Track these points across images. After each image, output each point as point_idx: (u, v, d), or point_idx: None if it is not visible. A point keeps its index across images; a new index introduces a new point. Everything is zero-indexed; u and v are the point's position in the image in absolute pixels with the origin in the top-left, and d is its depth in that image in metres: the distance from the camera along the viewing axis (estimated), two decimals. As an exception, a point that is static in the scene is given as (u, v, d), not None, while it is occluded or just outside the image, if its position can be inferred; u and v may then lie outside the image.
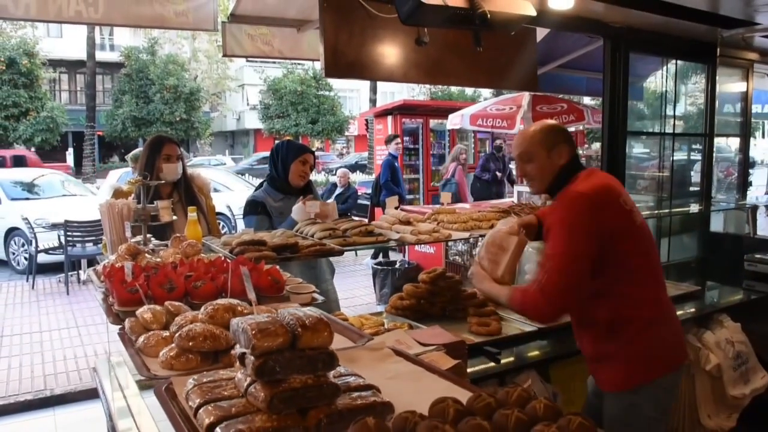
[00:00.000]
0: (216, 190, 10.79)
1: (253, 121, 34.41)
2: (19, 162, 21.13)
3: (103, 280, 2.25)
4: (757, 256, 4.40)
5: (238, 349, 1.23)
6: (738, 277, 4.38)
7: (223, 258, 2.50)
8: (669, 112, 4.94)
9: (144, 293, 1.94)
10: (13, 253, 10.81)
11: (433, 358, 2.31)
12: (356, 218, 3.89)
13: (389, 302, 3.44)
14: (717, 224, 5.50)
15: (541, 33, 4.47)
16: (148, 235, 2.99)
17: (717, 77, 5.00)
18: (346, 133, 33.03)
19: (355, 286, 9.00)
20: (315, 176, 21.64)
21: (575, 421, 0.94)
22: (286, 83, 28.25)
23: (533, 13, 3.15)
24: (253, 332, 1.13)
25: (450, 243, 6.68)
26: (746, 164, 6.04)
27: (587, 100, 12.36)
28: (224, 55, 5.06)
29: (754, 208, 5.35)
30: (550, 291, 2.25)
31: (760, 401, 3.81)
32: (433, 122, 12.45)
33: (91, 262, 8.66)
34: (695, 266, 4.88)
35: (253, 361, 1.14)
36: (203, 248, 2.84)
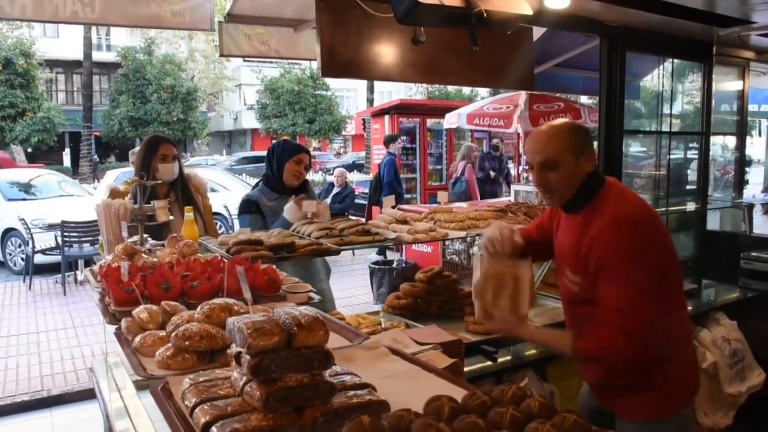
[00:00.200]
0: (213, 190, 10.80)
1: (250, 121, 34.38)
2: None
3: (100, 280, 2.25)
4: (754, 254, 4.42)
5: (234, 348, 1.23)
6: (734, 275, 4.39)
7: (219, 258, 2.50)
8: (666, 110, 4.95)
9: (140, 293, 1.94)
10: (10, 254, 10.80)
11: (429, 357, 2.31)
12: (353, 218, 3.88)
13: (386, 301, 3.44)
14: (713, 222, 5.51)
15: (537, 32, 4.48)
16: (145, 235, 2.99)
17: (713, 76, 5.01)
18: (344, 133, 33.07)
19: (352, 285, 9.00)
20: (312, 176, 21.67)
21: (570, 418, 0.94)
22: (283, 83, 28.25)
23: (530, 12, 3.15)
24: (249, 331, 1.13)
25: (447, 242, 6.69)
26: (743, 162, 6.05)
27: (584, 99, 12.37)
28: (221, 55, 5.06)
29: (751, 207, 5.36)
30: (633, 331, 1.96)
31: (756, 398, 3.82)
32: (430, 122, 12.45)
33: (88, 262, 8.65)
34: (692, 264, 4.89)
35: (249, 360, 1.15)
36: (200, 248, 2.84)
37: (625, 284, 2.00)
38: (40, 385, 5.56)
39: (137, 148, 7.84)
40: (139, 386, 1.74)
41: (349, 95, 36.77)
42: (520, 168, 10.42)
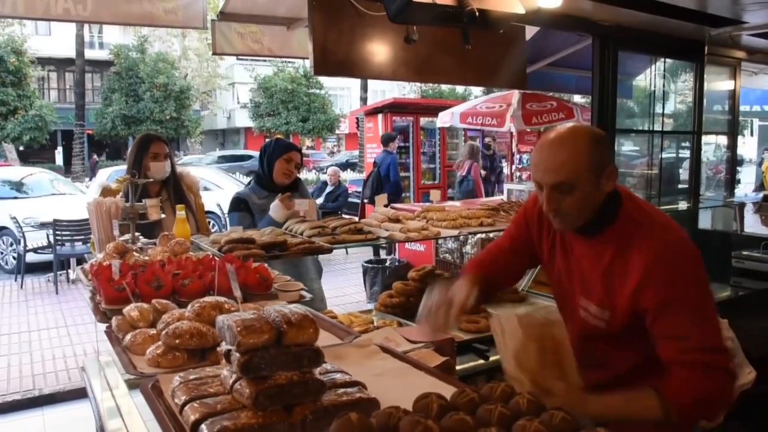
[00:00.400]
0: (206, 189, 10.78)
1: (243, 120, 34.30)
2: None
3: (91, 278, 2.24)
4: (745, 252, 4.44)
5: (224, 346, 1.23)
6: (726, 274, 4.40)
7: (211, 256, 2.50)
8: (658, 110, 4.98)
9: (131, 291, 1.93)
10: (2, 253, 10.74)
11: (421, 355, 2.32)
12: (346, 216, 3.89)
13: (379, 300, 3.44)
14: (705, 221, 5.54)
15: (530, 31, 4.49)
16: (137, 234, 2.98)
17: (705, 75, 5.04)
18: (337, 132, 33.01)
19: (345, 284, 9.00)
20: (306, 174, 21.66)
21: (558, 416, 0.94)
22: (277, 81, 28.20)
23: (522, 11, 3.16)
24: (239, 329, 1.13)
25: (440, 241, 6.69)
26: (734, 162, 6.10)
27: (577, 98, 12.40)
28: (214, 53, 5.05)
29: (742, 206, 5.39)
30: (732, 366, 1.74)
31: (746, 396, 3.83)
32: (423, 120, 12.45)
33: (81, 261, 8.61)
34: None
35: (239, 357, 1.15)
36: (192, 246, 2.84)
37: (706, 320, 1.73)
38: (32, 384, 5.53)
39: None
40: (131, 385, 1.73)
41: (343, 94, 36.74)
42: (514, 167, 10.46)
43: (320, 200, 11.14)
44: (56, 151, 30.53)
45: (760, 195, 6.26)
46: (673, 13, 4.03)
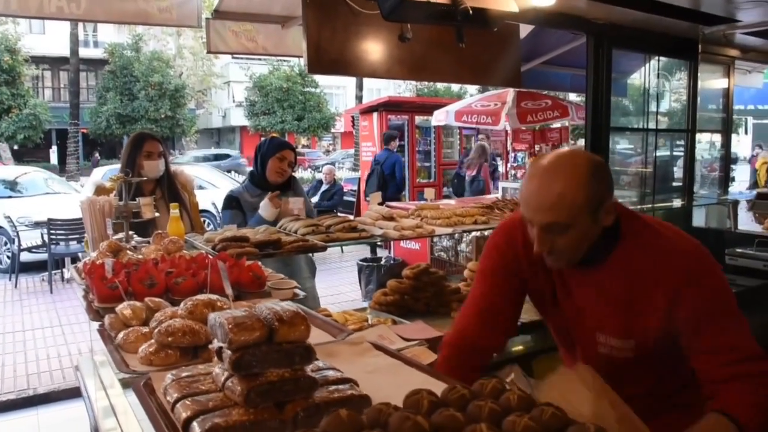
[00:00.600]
0: (201, 188, 10.76)
1: (239, 118, 34.27)
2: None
3: (84, 277, 2.24)
4: (738, 250, 4.45)
5: (215, 344, 1.23)
6: (719, 272, 4.42)
7: (204, 254, 2.50)
8: (652, 108, 4.99)
9: (124, 290, 1.93)
10: (-4, 252, 10.73)
11: (415, 352, 2.32)
12: (341, 215, 3.89)
13: (373, 298, 3.44)
14: (699, 219, 5.56)
15: (525, 30, 4.50)
16: (131, 232, 2.98)
17: (699, 73, 5.06)
18: (333, 130, 33.00)
19: (340, 282, 9.01)
20: (301, 173, 21.65)
21: (548, 411, 0.95)
22: (272, 80, 28.17)
23: (515, 9, 3.16)
24: (230, 326, 1.13)
25: (435, 239, 6.71)
26: (728, 160, 6.12)
27: (573, 97, 12.41)
28: (208, 52, 5.05)
29: (735, 203, 5.41)
30: None
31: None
32: (418, 119, 12.45)
33: (75, 260, 8.59)
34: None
35: (230, 355, 1.15)
36: (186, 245, 2.83)
37: (743, 327, 1.66)
38: (26, 384, 5.53)
39: None
40: (126, 384, 1.73)
41: (338, 92, 36.74)
42: (509, 165, 10.47)
43: (315, 199, 11.15)
44: (51, 150, 30.47)
45: (754, 192, 6.29)
46: (666, 11, 4.04)
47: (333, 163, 23.62)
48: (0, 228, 10.47)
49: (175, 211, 3.00)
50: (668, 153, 5.53)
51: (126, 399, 1.70)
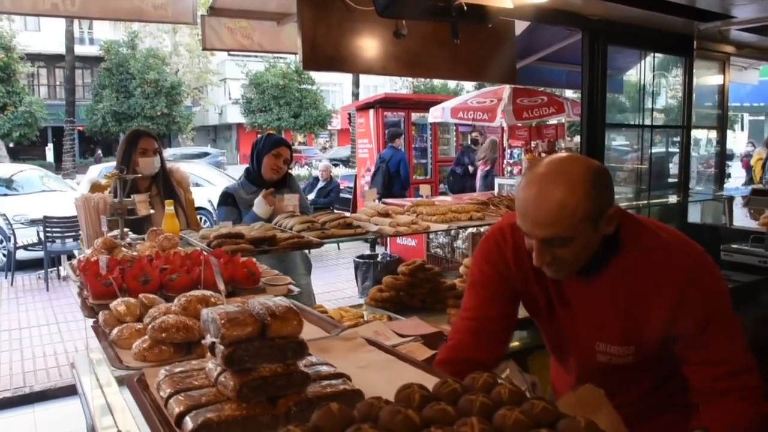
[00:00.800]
0: (197, 185, 10.75)
1: (235, 116, 34.24)
2: None
3: (79, 274, 2.24)
4: (734, 246, 4.47)
5: (208, 339, 1.23)
6: (714, 268, 4.43)
7: (199, 251, 2.50)
8: (648, 104, 4.99)
9: (119, 286, 1.93)
10: (-8, 250, 10.70)
11: (410, 349, 2.33)
12: (337, 212, 3.90)
13: (369, 294, 3.45)
14: (695, 215, 5.56)
15: (520, 26, 4.49)
16: (126, 229, 2.97)
17: (694, 70, 5.06)
18: (329, 127, 32.99)
19: (337, 279, 9.01)
20: (298, 170, 21.63)
21: (539, 405, 0.95)
22: (268, 77, 28.14)
23: (510, 5, 3.16)
24: (222, 322, 1.13)
25: (431, 235, 6.72)
26: (723, 156, 6.12)
27: (569, 93, 12.42)
28: (204, 49, 5.04)
29: (731, 199, 5.42)
30: (760, 381, 1.63)
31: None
32: (414, 116, 12.46)
33: (71, 258, 8.56)
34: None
35: (223, 350, 1.15)
36: (181, 242, 2.83)
37: (738, 337, 1.64)
38: (23, 382, 5.52)
39: None
40: (121, 381, 1.73)
41: (335, 89, 36.70)
42: (505, 161, 10.46)
43: (312, 196, 11.15)
44: (47, 148, 30.38)
45: (749, 189, 6.31)
46: (662, 8, 4.04)
47: (348, 160, 23.55)
48: (-5, 226, 10.45)
49: (170, 208, 3.00)
50: (664, 149, 5.53)
51: (122, 396, 1.71)
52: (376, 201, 3.77)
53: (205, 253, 2.32)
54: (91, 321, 1.94)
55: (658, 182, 5.29)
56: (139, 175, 3.50)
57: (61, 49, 26.56)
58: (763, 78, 10.03)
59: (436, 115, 10.28)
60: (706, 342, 1.61)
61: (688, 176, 5.25)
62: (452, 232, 6.16)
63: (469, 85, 26.08)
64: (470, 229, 4.68)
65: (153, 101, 27.08)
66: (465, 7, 2.88)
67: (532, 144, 9.91)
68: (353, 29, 3.51)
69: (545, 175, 1.53)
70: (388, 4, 2.83)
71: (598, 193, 1.52)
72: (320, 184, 11.63)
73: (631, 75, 5.25)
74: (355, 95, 25.52)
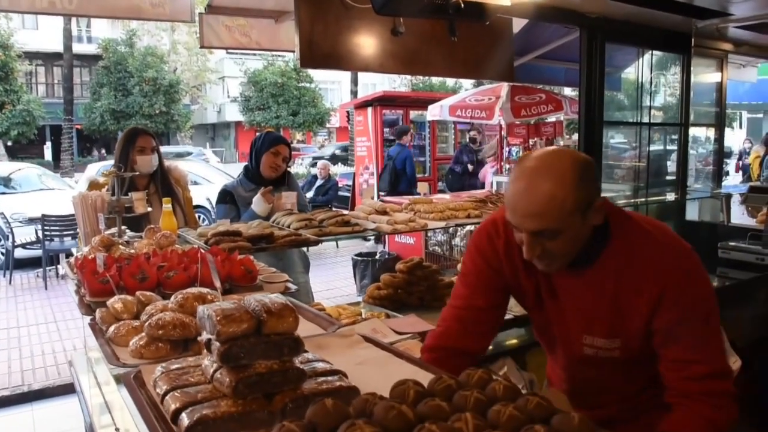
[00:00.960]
0: (195, 183, 10.75)
1: (233, 114, 34.19)
2: None
3: (76, 271, 2.24)
4: (731, 243, 4.47)
5: (204, 336, 1.23)
6: (712, 265, 4.44)
7: (197, 249, 2.50)
8: (646, 102, 5.00)
9: (116, 284, 1.93)
10: (-10, 248, 10.70)
11: (408, 346, 2.33)
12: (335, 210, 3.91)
13: (367, 292, 3.45)
14: (692, 213, 5.57)
15: (518, 24, 4.49)
16: (123, 227, 2.97)
17: (692, 68, 5.06)
18: (328, 125, 32.95)
19: (335, 277, 9.01)
20: (297, 168, 21.61)
21: (533, 401, 0.95)
22: (267, 75, 28.11)
23: (507, 2, 3.16)
24: (218, 318, 1.13)
25: (429, 233, 6.72)
26: (721, 154, 6.13)
27: (567, 91, 12.41)
28: (202, 47, 5.04)
29: (729, 197, 5.43)
30: (733, 387, 1.63)
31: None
32: (413, 113, 12.44)
33: (70, 256, 8.56)
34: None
35: (219, 347, 1.15)
36: (178, 239, 2.83)
37: (714, 339, 1.64)
38: (21, 380, 5.52)
39: None
40: (119, 380, 1.74)
41: (333, 87, 36.67)
42: (503, 159, 10.45)
43: (310, 194, 11.15)
44: (45, 147, 30.34)
45: (747, 186, 6.31)
46: (659, 5, 4.04)
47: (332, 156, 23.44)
48: (-7, 224, 10.44)
49: (167, 205, 2.99)
50: (662, 147, 5.54)
51: (120, 394, 1.71)
52: (374, 198, 3.77)
53: (202, 251, 2.32)
54: (88, 319, 1.94)
55: (656, 180, 5.30)
56: (137, 173, 3.50)
57: (59, 48, 26.52)
58: (762, 77, 10.03)
59: (434, 113, 10.27)
60: (681, 340, 1.61)
61: (686, 174, 5.25)
62: (450, 229, 6.16)
63: (467, 83, 26.10)
64: (468, 227, 4.68)
65: (151, 99, 27.05)
66: (462, 5, 2.88)
67: (531, 142, 9.90)
68: (350, 27, 3.51)
69: (534, 169, 1.55)
70: (385, 1, 2.83)
71: (586, 184, 1.54)
72: (319, 182, 11.64)
73: (629, 73, 5.25)
74: (354, 93, 25.52)
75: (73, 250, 3.37)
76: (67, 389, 5.12)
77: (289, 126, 28.40)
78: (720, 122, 5.96)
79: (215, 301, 1.63)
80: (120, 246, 2.57)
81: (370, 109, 11.96)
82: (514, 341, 3.08)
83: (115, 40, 27.86)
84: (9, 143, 26.84)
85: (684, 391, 1.61)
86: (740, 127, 27.04)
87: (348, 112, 14.36)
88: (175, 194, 3.71)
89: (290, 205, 3.39)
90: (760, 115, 26.42)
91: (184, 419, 1.10)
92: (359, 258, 7.64)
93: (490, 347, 2.89)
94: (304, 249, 3.90)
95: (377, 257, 7.59)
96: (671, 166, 5.48)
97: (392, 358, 1.51)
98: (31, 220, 9.31)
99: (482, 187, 10.03)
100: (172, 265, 2.10)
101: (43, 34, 29.83)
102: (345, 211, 3.51)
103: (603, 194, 1.69)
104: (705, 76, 5.72)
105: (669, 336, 1.62)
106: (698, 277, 1.64)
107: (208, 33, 4.76)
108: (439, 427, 0.85)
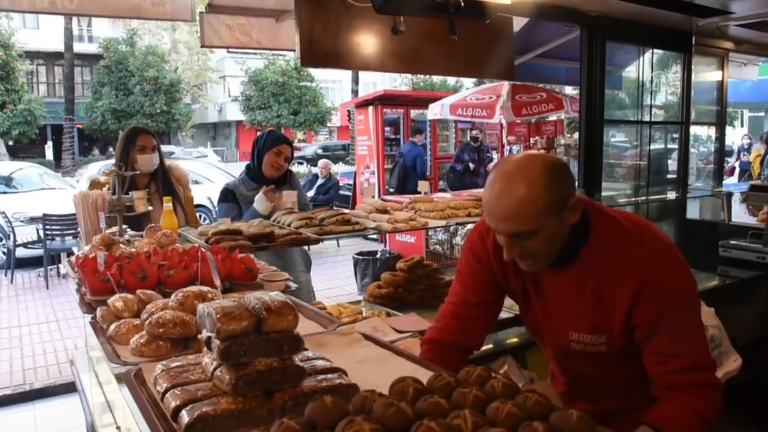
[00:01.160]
0: (197, 182, 10.75)
1: (234, 113, 34.18)
2: None
3: (77, 270, 2.24)
4: (732, 242, 4.47)
5: (204, 334, 1.23)
6: (713, 263, 4.44)
7: (197, 247, 2.50)
8: (646, 101, 4.99)
9: (116, 282, 1.93)
10: (-9, 248, 10.70)
11: (408, 344, 2.34)
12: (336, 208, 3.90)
13: (368, 291, 3.45)
14: (693, 211, 5.57)
15: (519, 23, 4.49)
16: (124, 226, 2.98)
17: (693, 66, 5.06)
18: (329, 124, 32.94)
19: (336, 276, 9.02)
20: (297, 167, 21.62)
21: (532, 398, 0.96)
22: (268, 74, 28.09)
23: (507, 1, 3.16)
24: (218, 316, 1.14)
25: (430, 232, 6.72)
26: (722, 152, 6.13)
27: (568, 90, 12.40)
28: (202, 46, 5.04)
29: (729, 195, 5.43)
30: (719, 382, 1.68)
31: (732, 384, 3.87)
32: (414, 112, 12.45)
33: (71, 255, 8.57)
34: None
35: (219, 344, 1.16)
36: (179, 238, 2.84)
37: (696, 333, 1.67)
38: (23, 379, 5.53)
39: None
40: (120, 378, 1.74)
41: (334, 86, 36.65)
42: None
43: (311, 193, 11.15)
44: (46, 146, 30.34)
45: (748, 184, 6.31)
46: (660, 3, 4.03)
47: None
48: (-5, 224, 10.45)
49: (168, 204, 3.00)
50: (663, 146, 5.54)
51: (121, 392, 1.71)
52: (375, 197, 3.77)
53: (202, 249, 2.32)
54: (89, 317, 1.95)
55: (656, 178, 5.30)
56: (138, 172, 3.51)
57: (60, 47, 26.52)
58: (763, 76, 10.02)
59: (435, 111, 10.28)
60: (662, 335, 1.64)
61: (686, 172, 5.25)
62: (451, 228, 6.16)
63: (468, 82, 26.09)
64: (469, 226, 4.68)
65: (152, 99, 27.04)
66: (462, 3, 2.88)
67: (531, 140, 9.91)
68: (351, 26, 3.51)
69: (506, 173, 1.60)
70: (385, 0, 2.83)
71: (557, 185, 1.57)
72: (320, 181, 11.64)
73: (630, 71, 5.25)
74: (355, 92, 25.49)
75: (74, 249, 3.37)
76: (68, 388, 5.12)
77: (290, 125, 28.39)
78: (721, 121, 5.96)
79: (216, 299, 1.64)
80: (121, 245, 2.57)
81: (371, 108, 11.96)
82: (515, 340, 3.08)
83: (116, 40, 27.84)
84: (10, 143, 26.83)
85: (668, 384, 1.63)
86: (741, 125, 27.01)
87: (349, 111, 14.36)
88: (176, 193, 3.71)
89: (291, 204, 3.39)
90: (761, 114, 26.39)
91: (185, 417, 1.10)
92: (360, 257, 7.64)
93: (491, 346, 2.91)
94: (306, 248, 3.90)
95: (378, 256, 7.59)
96: (672, 164, 5.48)
97: (392, 356, 1.51)
98: (33, 220, 9.31)
99: (473, 187, 10.05)
100: (172, 264, 2.11)
101: (44, 33, 29.82)
102: (345, 210, 3.51)
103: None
104: (706, 74, 5.72)
105: (650, 331, 1.65)
106: (676, 271, 1.66)
107: (209, 32, 4.77)
108: (438, 424, 0.85)
